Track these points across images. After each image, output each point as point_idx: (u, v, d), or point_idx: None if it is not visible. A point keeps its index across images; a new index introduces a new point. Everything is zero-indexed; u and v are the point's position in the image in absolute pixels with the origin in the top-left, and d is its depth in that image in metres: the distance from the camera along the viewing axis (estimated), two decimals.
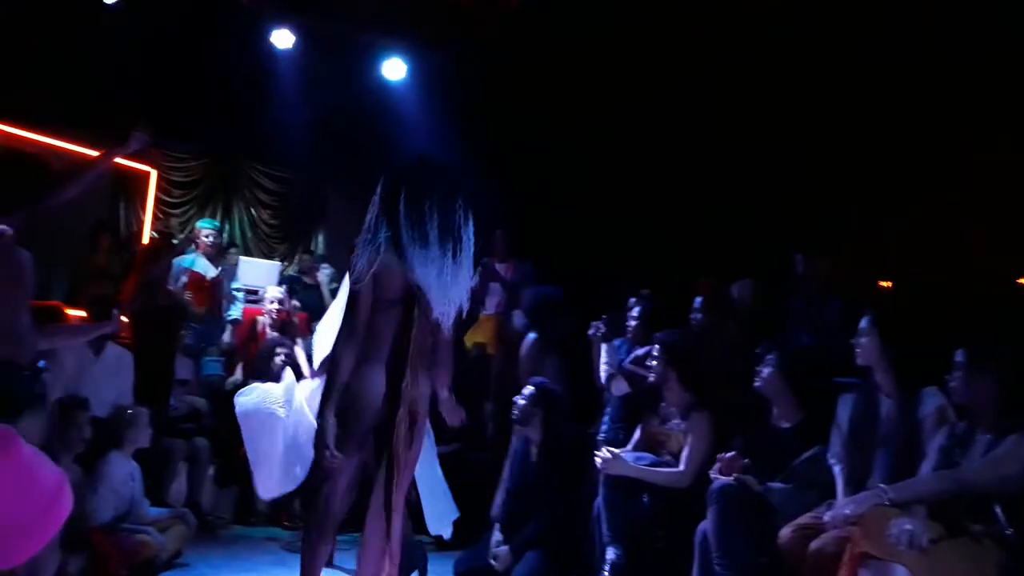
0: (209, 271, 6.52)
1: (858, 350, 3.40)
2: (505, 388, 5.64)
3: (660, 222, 7.32)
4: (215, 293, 6.48)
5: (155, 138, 3.26)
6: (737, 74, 6.53)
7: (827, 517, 3.04)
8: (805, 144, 6.64)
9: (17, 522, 1.19)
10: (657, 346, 4.26)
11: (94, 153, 8.22)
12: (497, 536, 4.43)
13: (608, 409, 4.84)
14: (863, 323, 3.41)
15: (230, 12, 6.93)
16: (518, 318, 6.06)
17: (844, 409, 3.47)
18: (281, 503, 5.53)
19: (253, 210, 10.41)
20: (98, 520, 3.86)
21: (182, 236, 8.83)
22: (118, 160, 8.64)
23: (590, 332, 4.89)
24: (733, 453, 3.58)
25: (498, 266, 6.76)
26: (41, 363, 2.91)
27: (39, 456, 1.29)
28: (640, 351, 4.65)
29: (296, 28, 7.07)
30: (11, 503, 1.20)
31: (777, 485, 3.51)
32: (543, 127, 7.61)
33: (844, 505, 3.03)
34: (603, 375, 4.72)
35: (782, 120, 6.64)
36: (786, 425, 3.75)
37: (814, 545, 3.00)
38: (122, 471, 4.07)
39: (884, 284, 6.13)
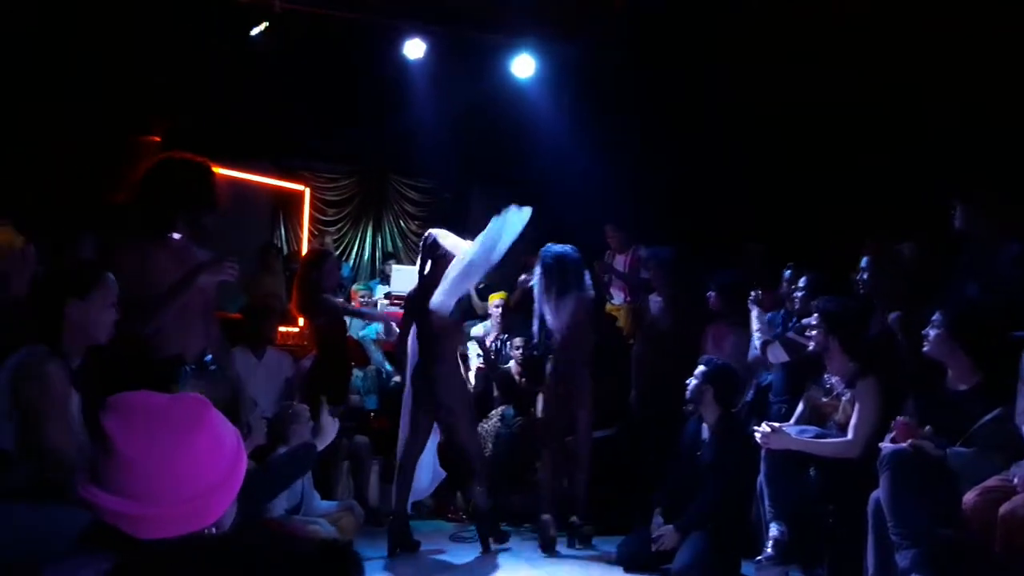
0: (361, 332, 6.81)
1: None
2: (647, 374, 5.56)
3: (807, 199, 6.96)
4: (368, 351, 6.77)
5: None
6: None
7: (1017, 478, 2.78)
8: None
9: (214, 483, 1.29)
10: (816, 314, 4.08)
11: (251, 178, 8.81)
12: (660, 519, 4.35)
13: (771, 383, 4.68)
14: None
15: (362, 29, 7.15)
16: (655, 304, 5.92)
17: None
18: (446, 497, 5.67)
19: (402, 222, 10.82)
20: (273, 512, 4.07)
21: (337, 253, 9.27)
22: (275, 183, 9.28)
23: None
24: (906, 418, 3.35)
25: (619, 258, 6.83)
26: (208, 357, 3.07)
27: (221, 418, 1.39)
28: (804, 321, 4.46)
29: (426, 36, 7.21)
30: (208, 466, 1.30)
31: (957, 450, 3.24)
32: (674, 116, 7.43)
33: None
34: (757, 342, 4.56)
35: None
36: (963, 387, 3.46)
37: (1004, 508, 2.75)
38: None
39: None
